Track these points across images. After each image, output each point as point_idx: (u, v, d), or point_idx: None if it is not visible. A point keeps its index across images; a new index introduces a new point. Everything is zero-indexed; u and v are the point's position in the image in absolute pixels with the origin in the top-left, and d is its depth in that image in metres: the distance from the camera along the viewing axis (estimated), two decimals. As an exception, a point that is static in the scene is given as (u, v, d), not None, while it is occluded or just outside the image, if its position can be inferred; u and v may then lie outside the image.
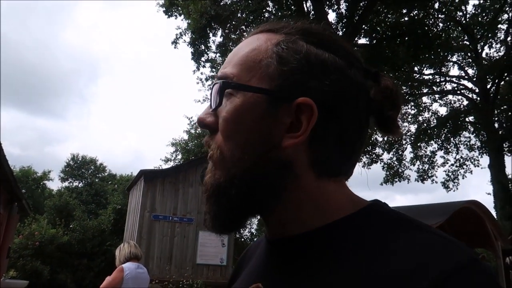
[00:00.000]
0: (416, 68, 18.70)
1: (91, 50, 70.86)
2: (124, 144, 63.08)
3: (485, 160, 30.75)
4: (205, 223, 0.60)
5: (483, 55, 20.64)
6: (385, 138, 19.12)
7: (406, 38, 12.48)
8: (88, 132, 61.32)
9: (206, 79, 16.26)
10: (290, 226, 0.57)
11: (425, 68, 19.98)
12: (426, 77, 21.06)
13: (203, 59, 13.85)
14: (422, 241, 0.48)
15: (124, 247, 4.38)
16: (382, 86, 0.59)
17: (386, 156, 20.29)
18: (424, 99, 21.77)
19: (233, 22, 12.87)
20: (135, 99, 72.93)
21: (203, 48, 13.55)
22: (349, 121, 0.56)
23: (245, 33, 14.04)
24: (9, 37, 64.08)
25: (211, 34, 13.37)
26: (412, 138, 21.18)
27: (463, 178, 21.08)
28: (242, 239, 17.44)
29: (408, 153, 21.24)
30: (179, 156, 22.41)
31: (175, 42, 13.60)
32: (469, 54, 20.77)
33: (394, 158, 20.63)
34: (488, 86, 19.70)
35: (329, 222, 0.54)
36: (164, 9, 13.74)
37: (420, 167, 21.19)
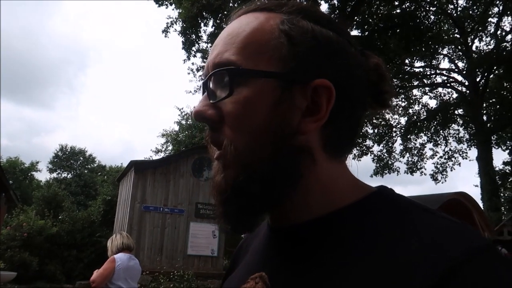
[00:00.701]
0: (407, 61, 18.80)
1: (80, 39, 70.04)
2: (114, 135, 62.76)
3: (473, 152, 31.11)
4: (221, 227, 0.56)
5: (473, 48, 20.85)
6: (376, 130, 19.26)
7: (398, 30, 12.54)
8: (77, 123, 60.88)
9: (197, 70, 16.14)
10: (296, 214, 0.54)
11: (416, 61, 20.12)
12: (417, 70, 21.21)
13: (194, 48, 13.75)
14: (437, 226, 0.46)
15: (116, 238, 4.37)
16: (374, 64, 0.58)
17: (376, 148, 20.50)
18: (415, 91, 21.97)
19: (225, 12, 12.76)
20: (125, 90, 72.40)
21: (194, 37, 13.44)
22: (356, 100, 0.55)
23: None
24: (-5, 25, 62.92)
25: (202, 24, 13.25)
26: (402, 131, 21.38)
27: (451, 170, 21.44)
28: (233, 230, 17.49)
29: (398, 145, 21.50)
30: (170, 147, 22.35)
31: (165, 31, 13.46)
32: (459, 47, 20.95)
33: (384, 150, 20.86)
34: (478, 79, 19.95)
35: (337, 209, 0.53)
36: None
37: (410, 159, 21.47)
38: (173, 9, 13.50)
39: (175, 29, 13.45)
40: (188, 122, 21.54)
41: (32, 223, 14.15)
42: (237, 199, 0.52)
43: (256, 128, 0.51)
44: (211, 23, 13.36)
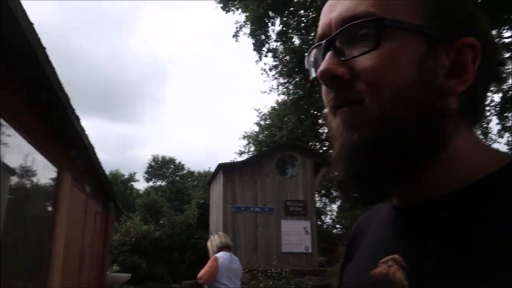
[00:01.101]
0: (494, 32, 17.23)
1: (156, 55, 74.50)
2: (198, 141, 65.61)
3: None
4: (343, 195, 0.52)
5: None
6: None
7: (479, 0, 11.58)
8: (164, 133, 64.77)
9: (270, 69, 16.37)
10: (430, 189, 0.49)
11: (505, 31, 18.34)
12: (507, 40, 19.34)
13: (264, 49, 13.91)
14: None
15: (215, 238, 4.66)
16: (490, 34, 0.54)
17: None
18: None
19: (291, 9, 12.77)
20: (203, 96, 75.35)
21: (263, 38, 13.61)
22: (491, 66, 0.52)
23: (303, 18, 13.85)
24: (87, 52, 69.54)
25: (269, 24, 13.39)
26: (497, 108, 19.65)
27: None
28: (324, 226, 17.34)
29: (493, 125, 19.78)
30: (252, 148, 22.88)
31: (235, 36, 13.79)
32: (556, 8, 18.71)
33: (479, 132, 19.32)
34: None
35: (476, 181, 0.47)
36: (221, 5, 13.97)
37: (510, 139, 19.62)
38: (239, 14, 13.83)
39: (245, 32, 13.76)
40: (267, 122, 21.92)
41: (138, 229, 15.41)
42: (377, 160, 0.48)
43: (401, 85, 0.47)
44: (278, 21, 13.46)
